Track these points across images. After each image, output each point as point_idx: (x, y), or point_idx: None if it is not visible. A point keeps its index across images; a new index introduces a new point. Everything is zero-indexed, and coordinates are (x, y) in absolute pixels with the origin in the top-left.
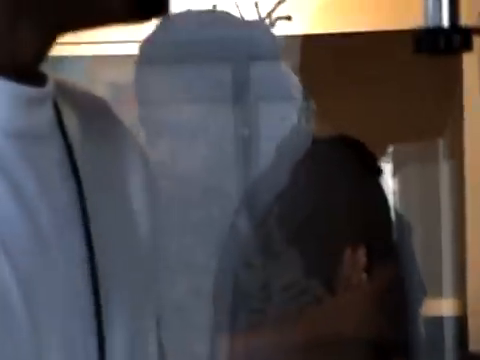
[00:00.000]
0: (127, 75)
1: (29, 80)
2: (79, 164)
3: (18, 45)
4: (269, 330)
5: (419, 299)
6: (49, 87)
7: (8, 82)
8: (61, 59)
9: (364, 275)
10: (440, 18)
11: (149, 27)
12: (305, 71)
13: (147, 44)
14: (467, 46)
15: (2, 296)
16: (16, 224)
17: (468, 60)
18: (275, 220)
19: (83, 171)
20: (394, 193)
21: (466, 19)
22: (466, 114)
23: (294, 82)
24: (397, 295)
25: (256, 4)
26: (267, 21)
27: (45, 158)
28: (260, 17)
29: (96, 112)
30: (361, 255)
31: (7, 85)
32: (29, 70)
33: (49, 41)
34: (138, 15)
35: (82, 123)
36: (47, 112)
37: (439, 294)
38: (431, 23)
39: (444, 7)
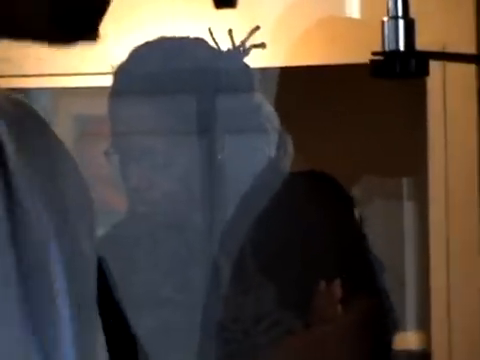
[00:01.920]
0: (94, 107)
1: None
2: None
3: None
4: None
5: (392, 334)
6: None
7: None
8: (26, 91)
9: (339, 308)
10: (397, 43)
11: (119, 57)
12: (277, 104)
13: (119, 74)
14: (424, 71)
15: None
16: None
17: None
18: (250, 252)
19: (17, 181)
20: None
21: (423, 45)
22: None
23: (266, 114)
24: (373, 329)
25: (230, 32)
26: (241, 49)
27: None
28: (234, 45)
29: (26, 119)
30: (336, 287)
31: None
32: None
33: None
34: (59, 38)
35: (13, 130)
36: None
37: (403, 327)
38: (388, 48)
39: (401, 32)
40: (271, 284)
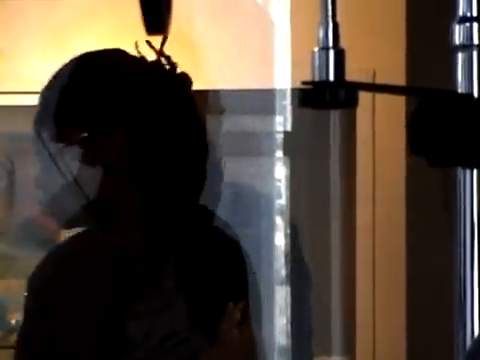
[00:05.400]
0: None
1: None
2: None
3: None
4: None
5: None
6: None
7: None
8: None
9: (247, 330)
10: (327, 73)
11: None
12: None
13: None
14: (352, 102)
15: None
16: None
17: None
18: (171, 271)
19: None
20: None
21: (352, 73)
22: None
23: None
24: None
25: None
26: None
27: None
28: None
29: None
30: (239, 310)
31: None
32: None
33: None
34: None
35: None
36: None
37: (328, 352)
38: (317, 78)
39: (330, 63)
40: (186, 303)
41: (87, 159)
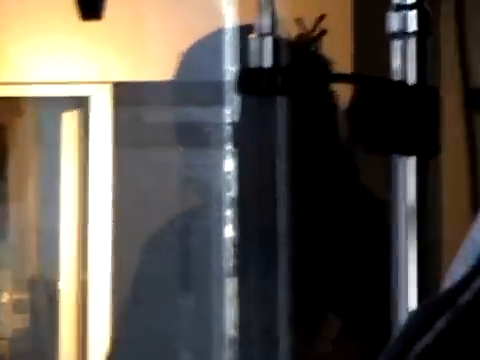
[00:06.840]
0: None
1: None
2: None
3: None
4: None
5: None
6: None
7: None
8: None
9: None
10: (261, 59)
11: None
12: None
13: None
14: (290, 89)
15: None
16: None
17: None
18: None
19: None
20: None
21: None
22: None
23: None
24: None
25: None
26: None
27: None
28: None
29: None
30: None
31: None
32: None
33: None
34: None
35: None
36: None
37: None
38: (254, 65)
39: (268, 49)
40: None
41: None
